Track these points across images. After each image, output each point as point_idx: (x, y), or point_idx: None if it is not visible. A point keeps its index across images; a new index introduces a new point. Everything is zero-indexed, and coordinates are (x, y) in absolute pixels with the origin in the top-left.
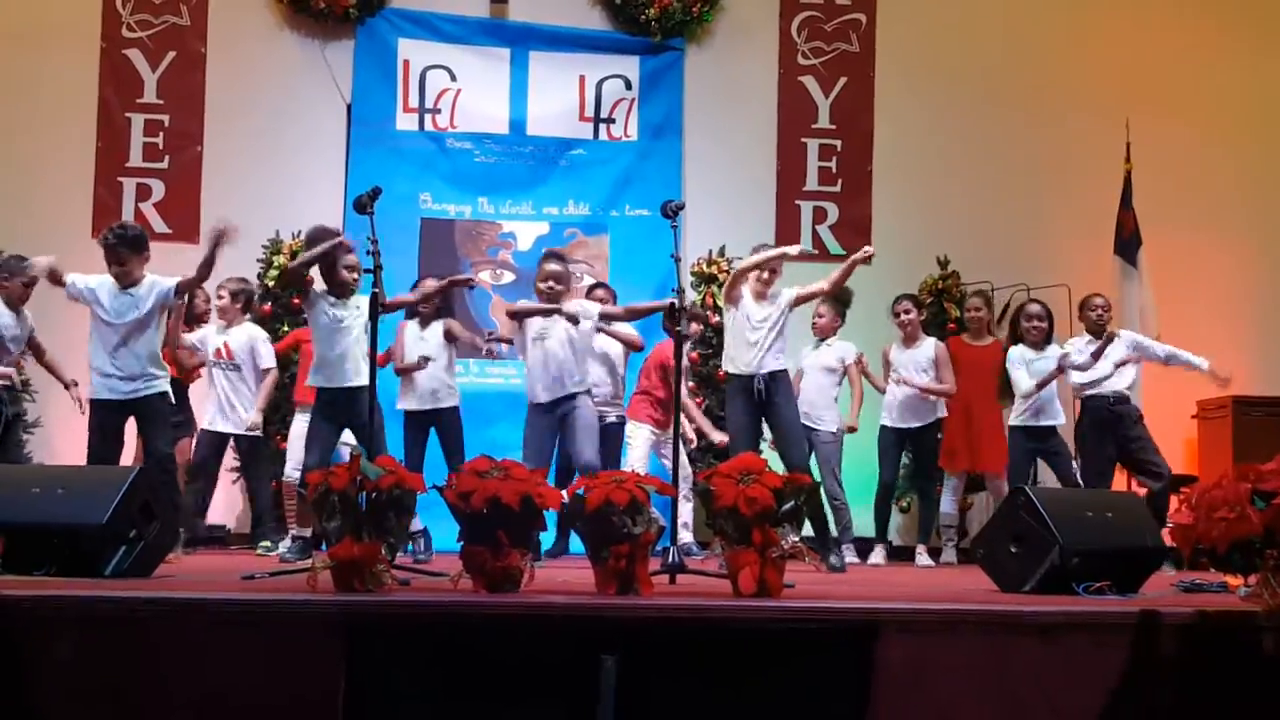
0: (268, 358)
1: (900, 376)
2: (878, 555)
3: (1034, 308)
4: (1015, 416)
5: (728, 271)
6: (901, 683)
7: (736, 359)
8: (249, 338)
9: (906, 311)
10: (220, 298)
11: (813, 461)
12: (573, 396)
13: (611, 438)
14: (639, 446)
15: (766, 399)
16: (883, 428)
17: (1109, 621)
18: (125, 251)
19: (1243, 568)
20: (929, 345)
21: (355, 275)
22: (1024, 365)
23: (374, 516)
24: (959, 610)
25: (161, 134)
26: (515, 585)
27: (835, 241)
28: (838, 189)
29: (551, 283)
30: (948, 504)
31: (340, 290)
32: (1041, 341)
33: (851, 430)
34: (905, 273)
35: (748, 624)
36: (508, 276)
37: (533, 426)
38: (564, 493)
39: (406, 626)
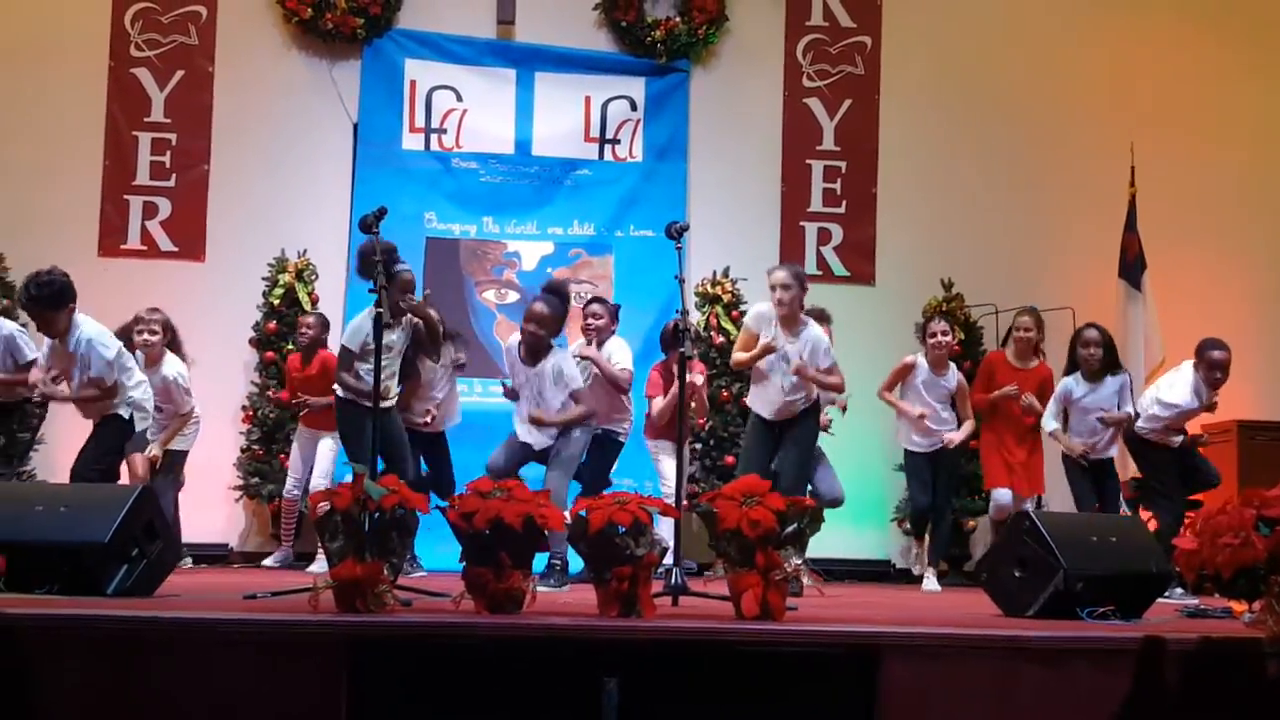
0: (183, 403)
1: (936, 430)
2: (931, 581)
3: (1091, 333)
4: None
5: (732, 293)
6: (905, 707)
7: (759, 400)
8: (163, 381)
9: (945, 334)
10: (154, 333)
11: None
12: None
13: (606, 449)
14: (670, 463)
15: (782, 435)
16: (909, 453)
17: (1113, 647)
18: (38, 309)
19: (1247, 594)
20: (953, 375)
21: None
22: (1066, 401)
23: (377, 536)
24: (962, 635)
25: (169, 152)
26: (517, 606)
27: (839, 263)
28: (842, 210)
29: (592, 321)
30: (993, 515)
31: (397, 312)
32: (1098, 371)
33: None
34: (909, 294)
35: (751, 647)
36: (512, 296)
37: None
38: (566, 514)
39: (409, 648)
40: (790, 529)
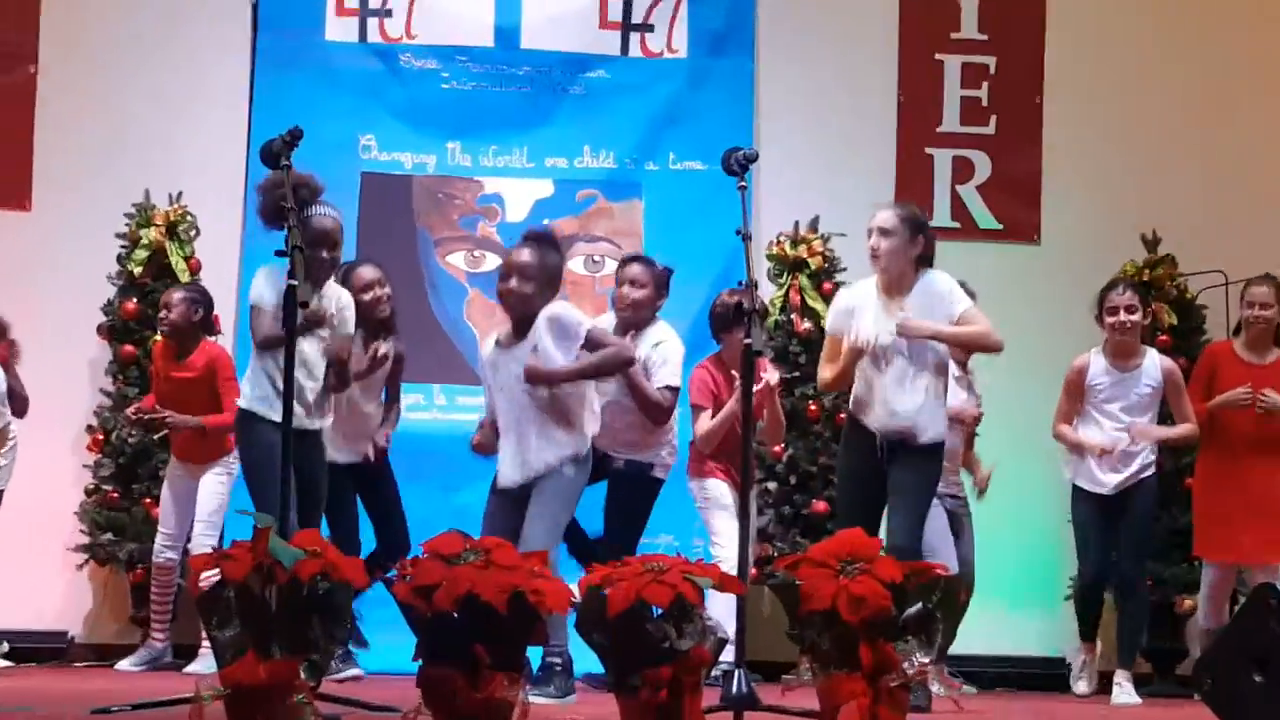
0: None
1: (1125, 432)
2: (1125, 691)
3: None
4: None
5: (824, 255)
6: None
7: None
8: None
9: (1130, 308)
10: None
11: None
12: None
13: (635, 490)
14: (721, 510)
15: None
16: (1080, 496)
17: None
18: None
19: None
20: (1152, 363)
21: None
22: None
23: (290, 622)
24: None
25: None
26: None
27: (986, 210)
28: (990, 130)
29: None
30: (1203, 609)
31: (316, 270)
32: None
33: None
34: (1092, 257)
35: None
36: (491, 260)
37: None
38: (574, 586)
39: None
40: (914, 611)
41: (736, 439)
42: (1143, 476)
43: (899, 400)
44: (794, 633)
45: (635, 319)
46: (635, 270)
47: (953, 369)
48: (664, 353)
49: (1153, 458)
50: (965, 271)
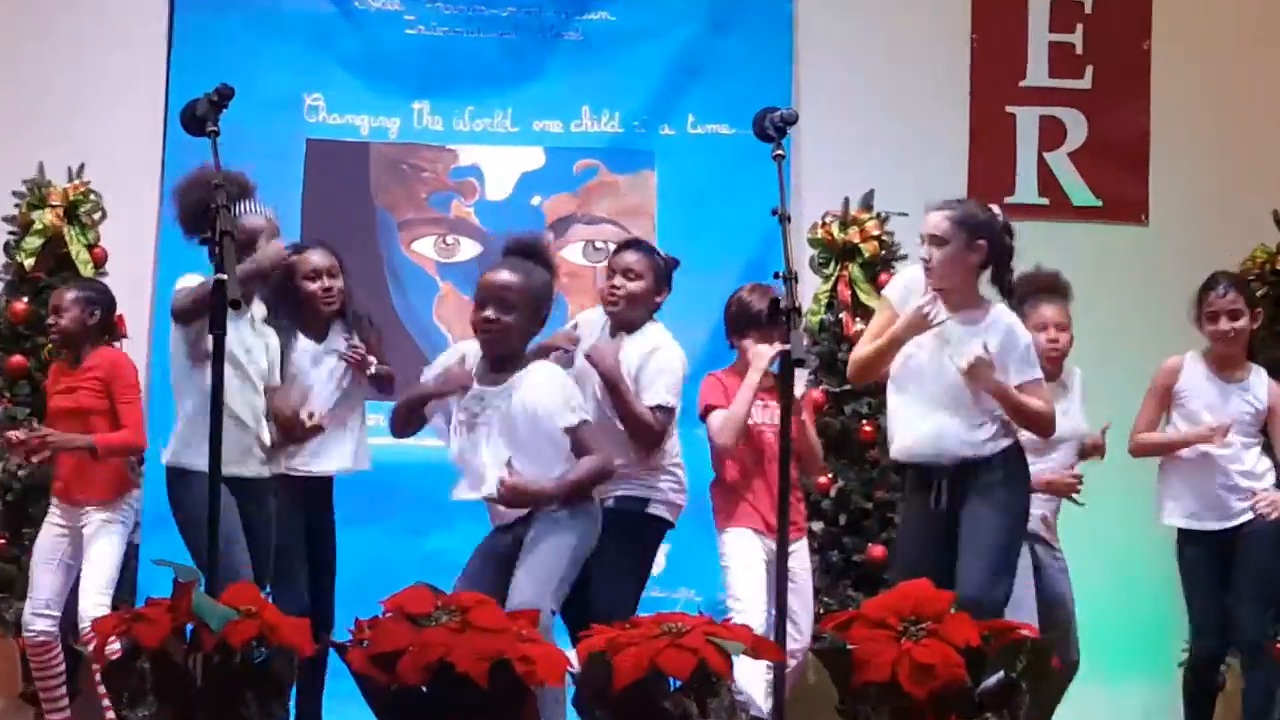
0: None
1: (1207, 429)
2: None
3: None
4: None
5: (880, 240)
6: None
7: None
8: None
9: (1232, 312)
10: None
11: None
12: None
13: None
14: (744, 571)
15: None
16: (1185, 539)
17: None
18: None
19: None
20: (1259, 381)
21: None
22: None
23: (220, 701)
24: None
25: None
26: None
27: (1081, 183)
28: (1086, 84)
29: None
30: None
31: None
32: None
33: None
34: (1209, 239)
35: None
36: (468, 248)
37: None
38: (573, 653)
39: None
40: (993, 680)
41: (764, 465)
42: (1253, 515)
43: (948, 418)
44: (844, 708)
45: (628, 317)
46: (630, 258)
47: None
48: (659, 363)
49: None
50: (1056, 258)
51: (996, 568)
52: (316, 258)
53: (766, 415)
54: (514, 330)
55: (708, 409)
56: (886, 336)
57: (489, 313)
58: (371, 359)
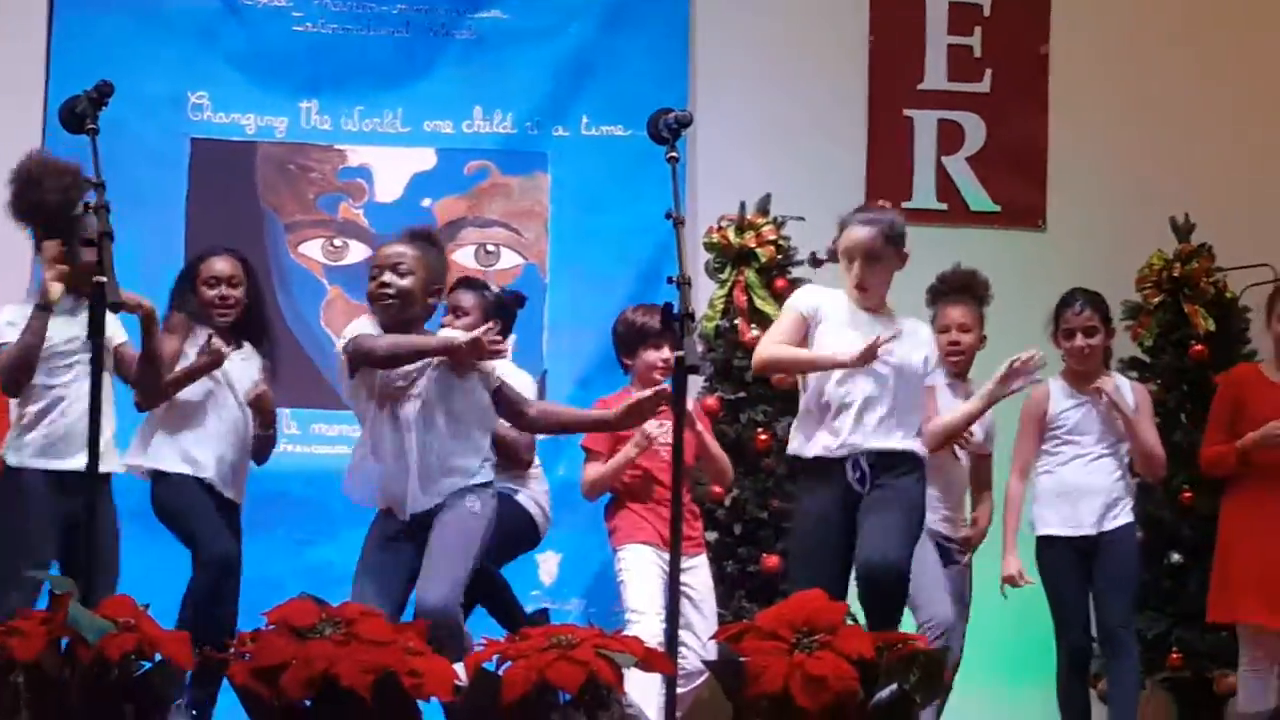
0: None
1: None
2: None
3: None
4: None
5: (777, 244)
6: None
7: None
8: None
9: (1088, 329)
10: None
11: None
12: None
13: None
14: (642, 583)
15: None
16: (1042, 541)
17: None
18: None
19: None
20: (1122, 385)
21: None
22: None
23: (97, 716)
24: None
25: None
26: None
27: (979, 188)
28: (984, 88)
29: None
30: (1250, 694)
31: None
32: None
33: None
34: (1107, 245)
35: None
36: (357, 251)
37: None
38: (459, 668)
39: None
40: (885, 693)
41: (662, 480)
42: (1126, 521)
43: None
44: None
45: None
46: (460, 297)
47: (942, 379)
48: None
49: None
50: (953, 263)
51: (900, 576)
52: (219, 264)
53: (661, 432)
54: (412, 296)
55: (586, 450)
56: (830, 356)
57: (388, 276)
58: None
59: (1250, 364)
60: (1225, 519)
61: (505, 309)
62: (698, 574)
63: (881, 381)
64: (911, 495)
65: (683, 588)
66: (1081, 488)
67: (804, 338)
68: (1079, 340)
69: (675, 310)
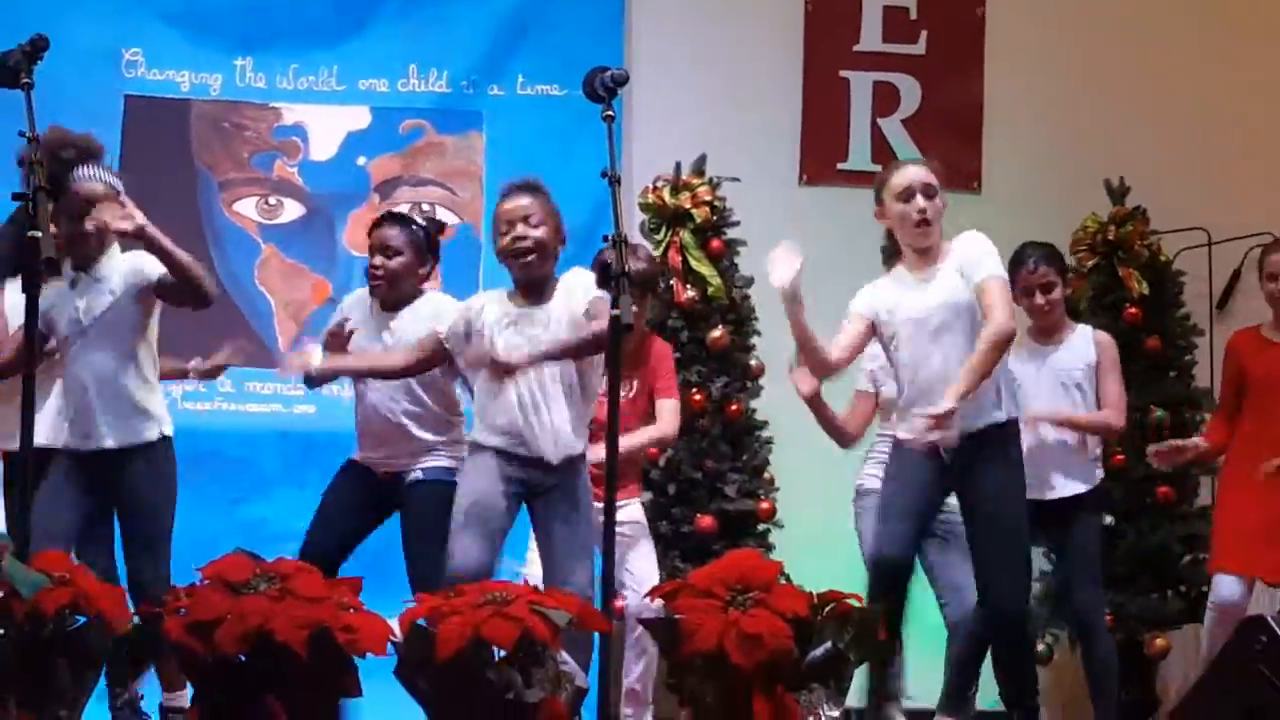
0: None
1: (1032, 413)
2: None
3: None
4: None
5: (711, 205)
6: None
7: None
8: None
9: (1045, 285)
10: None
11: None
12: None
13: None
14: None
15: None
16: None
17: None
18: None
19: None
20: (1083, 338)
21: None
22: None
23: (31, 671)
24: None
25: None
26: None
27: (914, 150)
28: (919, 49)
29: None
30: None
31: (81, 247)
32: None
33: None
34: (1042, 208)
35: None
36: (291, 209)
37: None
38: (394, 623)
39: None
40: (821, 651)
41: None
42: (1088, 487)
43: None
44: (672, 681)
45: (393, 296)
46: (387, 234)
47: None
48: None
49: (1097, 463)
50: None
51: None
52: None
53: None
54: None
55: None
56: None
57: (519, 230)
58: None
59: (1247, 329)
60: (1222, 479)
61: (430, 240)
62: (627, 511)
63: None
64: None
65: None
66: (1040, 455)
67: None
68: (1038, 298)
69: (611, 269)
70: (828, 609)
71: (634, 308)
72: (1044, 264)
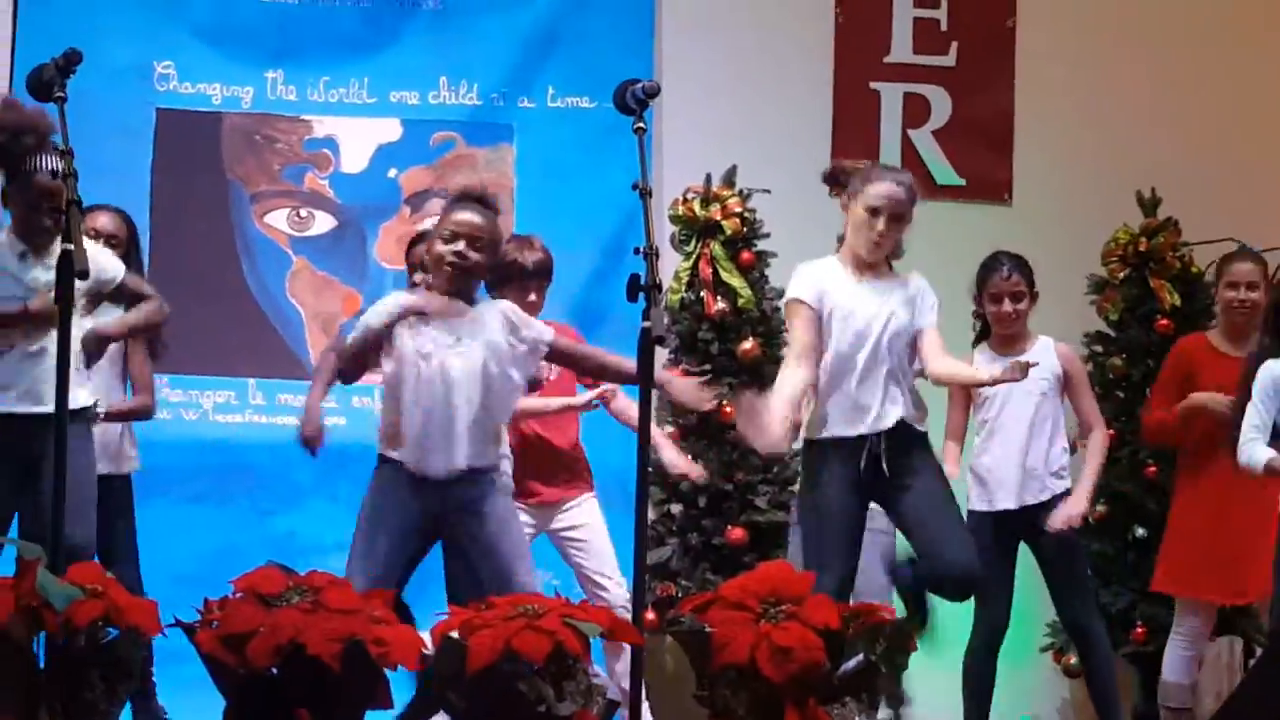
0: None
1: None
2: None
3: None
4: None
5: (742, 217)
6: None
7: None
8: None
9: (1015, 293)
10: None
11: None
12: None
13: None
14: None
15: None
16: (970, 515)
17: None
18: None
19: None
20: (1045, 348)
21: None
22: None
23: (64, 683)
24: None
25: None
26: None
27: (944, 161)
28: (950, 61)
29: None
30: (1175, 665)
31: (37, 234)
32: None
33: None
34: (1073, 219)
35: None
36: (322, 221)
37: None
38: (426, 635)
39: None
40: (852, 663)
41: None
42: (1059, 492)
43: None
44: (702, 694)
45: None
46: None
47: None
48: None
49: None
50: (919, 237)
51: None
52: (102, 220)
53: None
54: (476, 268)
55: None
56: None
57: (461, 246)
58: None
59: (1198, 334)
60: (1176, 492)
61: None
62: (571, 515)
63: None
64: None
65: (565, 534)
66: (1007, 465)
67: (815, 324)
68: (1006, 305)
69: (642, 281)
70: (859, 621)
71: (667, 318)
72: (1017, 272)
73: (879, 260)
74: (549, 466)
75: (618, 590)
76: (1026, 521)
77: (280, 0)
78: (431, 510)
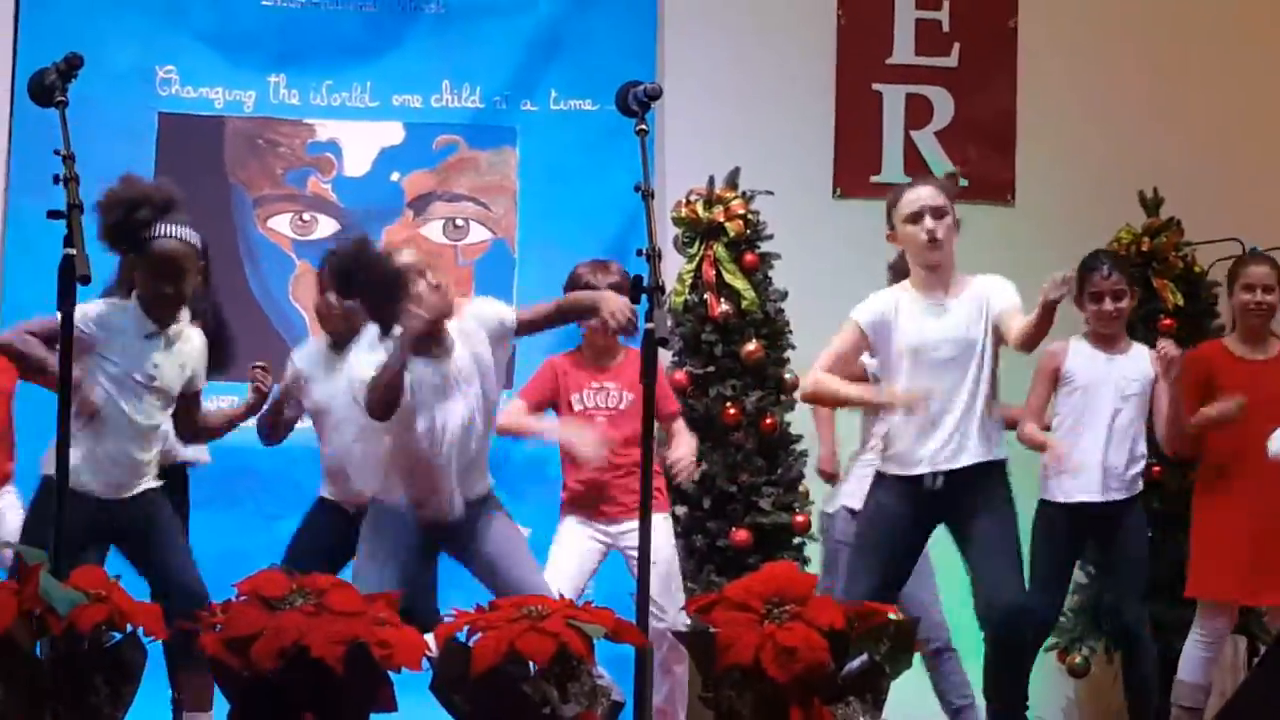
0: None
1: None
2: None
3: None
4: None
5: (745, 219)
6: None
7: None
8: None
9: (1116, 292)
10: None
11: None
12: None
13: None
14: (556, 556)
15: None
16: (1044, 505)
17: None
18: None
19: None
20: (1141, 353)
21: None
22: None
23: (68, 687)
24: None
25: None
26: None
27: (946, 162)
28: (952, 62)
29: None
30: (1193, 665)
31: (160, 305)
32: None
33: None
34: (1076, 219)
35: None
36: (325, 225)
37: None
38: (429, 638)
39: None
40: (856, 663)
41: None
42: (1134, 493)
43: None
44: (707, 695)
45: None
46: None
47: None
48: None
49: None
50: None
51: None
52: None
53: (601, 399)
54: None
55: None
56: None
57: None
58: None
59: (1214, 341)
60: (1198, 498)
61: None
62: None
63: None
64: None
65: (631, 551)
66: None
67: (859, 349)
68: (1108, 304)
69: (645, 283)
70: (863, 621)
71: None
72: (1117, 271)
73: (941, 262)
74: (621, 483)
75: (674, 615)
76: (1102, 518)
77: (283, 4)
78: (433, 537)
